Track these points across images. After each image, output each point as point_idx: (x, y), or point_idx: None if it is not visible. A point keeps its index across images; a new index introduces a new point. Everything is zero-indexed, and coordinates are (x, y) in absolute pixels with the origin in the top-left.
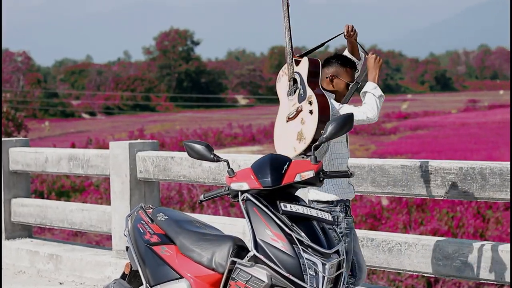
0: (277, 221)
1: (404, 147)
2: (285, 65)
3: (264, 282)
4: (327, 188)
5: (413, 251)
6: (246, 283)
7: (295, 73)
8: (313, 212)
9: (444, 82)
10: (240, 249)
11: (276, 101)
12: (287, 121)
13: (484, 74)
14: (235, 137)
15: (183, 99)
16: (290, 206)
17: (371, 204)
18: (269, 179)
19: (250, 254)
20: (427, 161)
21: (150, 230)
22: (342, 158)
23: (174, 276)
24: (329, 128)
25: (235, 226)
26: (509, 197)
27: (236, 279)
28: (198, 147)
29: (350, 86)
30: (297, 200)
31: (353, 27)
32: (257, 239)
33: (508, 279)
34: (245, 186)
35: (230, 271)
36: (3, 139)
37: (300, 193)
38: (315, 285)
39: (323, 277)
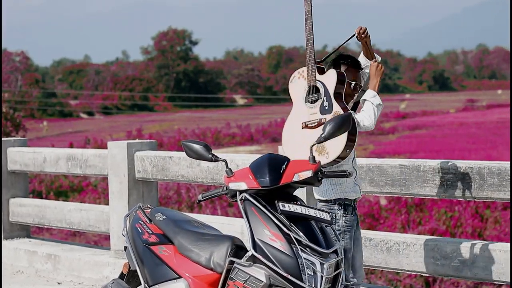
0: (275, 221)
1: (403, 147)
2: (303, 69)
3: (263, 281)
4: (326, 187)
5: (411, 251)
6: (244, 283)
7: (317, 81)
8: (311, 212)
9: (442, 81)
10: (238, 249)
11: (274, 101)
12: (303, 128)
13: (482, 73)
14: (233, 137)
15: (181, 99)
16: (289, 206)
17: (369, 203)
18: (268, 179)
19: (249, 254)
20: (426, 161)
21: (148, 230)
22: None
23: (172, 276)
24: (327, 128)
25: (233, 226)
26: (507, 197)
27: (234, 279)
28: (197, 147)
29: (354, 87)
30: (296, 200)
31: (365, 29)
32: (256, 239)
33: (506, 279)
34: (243, 186)
35: (229, 271)
36: (1, 139)
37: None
38: (313, 285)
39: (321, 276)
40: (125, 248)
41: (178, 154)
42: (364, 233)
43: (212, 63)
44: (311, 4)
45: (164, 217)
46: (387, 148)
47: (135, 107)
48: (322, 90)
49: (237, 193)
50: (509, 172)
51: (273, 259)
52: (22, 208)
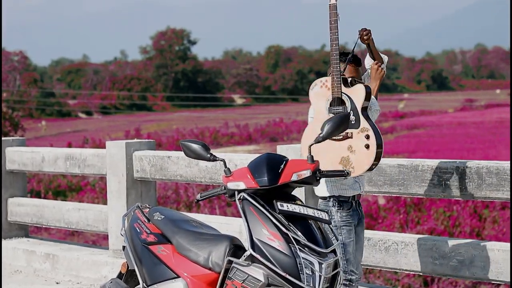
0: (273, 221)
1: (401, 146)
2: (326, 78)
3: (261, 281)
4: (322, 184)
5: (410, 251)
6: (242, 282)
7: (343, 94)
8: (310, 212)
9: (441, 81)
10: (236, 249)
11: (272, 100)
12: None
13: (480, 73)
14: (232, 137)
15: (179, 99)
16: (287, 206)
17: (367, 203)
18: (266, 178)
19: (247, 253)
20: (424, 161)
21: (146, 230)
22: None
23: (170, 276)
24: (326, 127)
25: (231, 226)
26: (505, 196)
27: (233, 279)
28: (195, 146)
29: (351, 82)
30: (294, 200)
31: (368, 32)
32: (254, 238)
33: (504, 279)
34: (241, 185)
35: (227, 271)
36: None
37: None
38: (311, 284)
39: (320, 276)
40: (124, 247)
41: (177, 154)
42: None
43: (211, 62)
44: (337, 14)
45: (163, 216)
46: (385, 148)
47: (133, 106)
48: (348, 104)
49: (236, 192)
50: (508, 171)
51: (271, 259)
52: (21, 208)
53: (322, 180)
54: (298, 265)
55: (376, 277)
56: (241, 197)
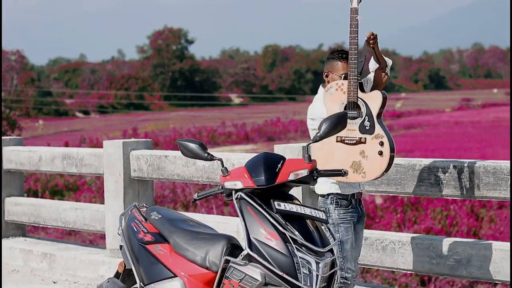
0: (271, 220)
1: (398, 146)
2: (342, 81)
3: (258, 280)
4: (322, 182)
5: (407, 250)
6: (239, 281)
7: (359, 99)
8: (307, 211)
9: (438, 80)
10: (234, 248)
11: (269, 100)
12: (337, 141)
13: (477, 72)
14: (229, 136)
15: (177, 98)
16: (284, 205)
17: (364, 202)
18: (263, 177)
19: (244, 252)
20: (421, 160)
21: (144, 229)
22: None
23: (168, 275)
24: (323, 126)
25: (228, 225)
26: (502, 196)
27: (230, 278)
28: (192, 145)
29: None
30: (291, 199)
31: (375, 36)
32: (251, 237)
33: (501, 278)
34: (239, 184)
35: (224, 270)
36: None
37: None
38: (309, 284)
39: (317, 275)
40: (121, 247)
41: (174, 153)
42: None
43: (208, 62)
44: (357, 19)
45: (160, 216)
46: None
47: (130, 106)
48: (363, 109)
49: (233, 192)
50: (505, 171)
51: (268, 258)
52: (18, 207)
53: (322, 178)
54: (295, 264)
55: (373, 277)
56: (239, 197)
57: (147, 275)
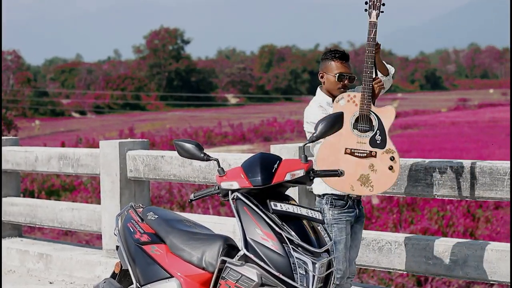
0: (267, 220)
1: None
2: (354, 93)
3: (254, 281)
4: (318, 182)
5: (403, 250)
6: (236, 282)
7: (371, 112)
8: (303, 211)
9: (434, 81)
10: (230, 248)
11: (266, 100)
12: (346, 153)
13: (474, 73)
14: (226, 136)
15: (173, 98)
16: (280, 205)
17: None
18: (260, 178)
19: (240, 253)
20: (417, 160)
21: (140, 229)
22: None
23: (164, 276)
24: (320, 127)
25: (225, 225)
26: (499, 196)
27: (226, 278)
28: (188, 146)
29: (338, 77)
30: (288, 199)
31: (378, 47)
32: (247, 238)
33: (497, 278)
34: (235, 185)
35: (220, 270)
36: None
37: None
38: (305, 284)
39: (313, 276)
40: (117, 247)
41: (170, 154)
42: None
43: (204, 62)
44: (375, 31)
45: (156, 216)
46: None
47: (127, 106)
48: (375, 123)
49: (229, 192)
50: (502, 171)
51: (265, 259)
52: (14, 208)
53: (318, 178)
54: (292, 265)
55: (370, 277)
56: (235, 197)
57: (144, 275)
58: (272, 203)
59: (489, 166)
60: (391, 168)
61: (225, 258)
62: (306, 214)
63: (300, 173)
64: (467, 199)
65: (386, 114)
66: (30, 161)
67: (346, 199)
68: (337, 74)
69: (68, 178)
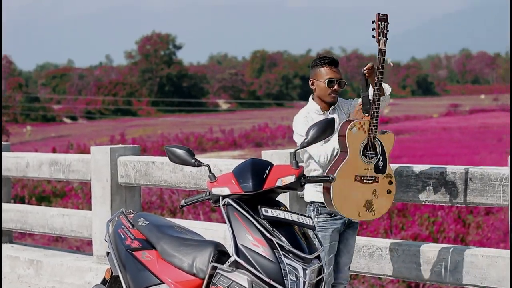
0: (258, 226)
1: None
2: (364, 121)
3: (245, 287)
4: (306, 189)
5: (394, 256)
6: None
7: (376, 139)
8: (294, 217)
9: (426, 86)
10: (221, 254)
11: (257, 105)
12: (355, 180)
13: (465, 78)
14: (217, 142)
15: (164, 104)
16: (271, 211)
17: None
18: (250, 184)
19: (231, 259)
20: (408, 166)
21: (131, 235)
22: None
23: (154, 282)
24: (311, 132)
25: (216, 231)
26: (490, 202)
27: (217, 285)
28: (180, 151)
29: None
30: (278, 205)
31: (372, 70)
32: (238, 244)
33: (488, 284)
34: (226, 191)
35: (211, 276)
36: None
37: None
38: None
39: (304, 282)
40: (108, 253)
41: (161, 159)
42: None
43: (196, 67)
44: (384, 60)
45: (147, 222)
46: None
47: (118, 111)
48: (379, 149)
49: (220, 198)
50: (493, 177)
51: (255, 265)
52: (5, 214)
53: (308, 185)
54: (283, 271)
55: (361, 283)
56: (226, 203)
57: (134, 281)
58: (263, 209)
59: (480, 172)
60: (389, 192)
61: (215, 264)
62: (297, 220)
63: (291, 179)
64: (458, 205)
65: (388, 140)
66: (21, 167)
67: None
68: (327, 80)
69: (59, 184)
